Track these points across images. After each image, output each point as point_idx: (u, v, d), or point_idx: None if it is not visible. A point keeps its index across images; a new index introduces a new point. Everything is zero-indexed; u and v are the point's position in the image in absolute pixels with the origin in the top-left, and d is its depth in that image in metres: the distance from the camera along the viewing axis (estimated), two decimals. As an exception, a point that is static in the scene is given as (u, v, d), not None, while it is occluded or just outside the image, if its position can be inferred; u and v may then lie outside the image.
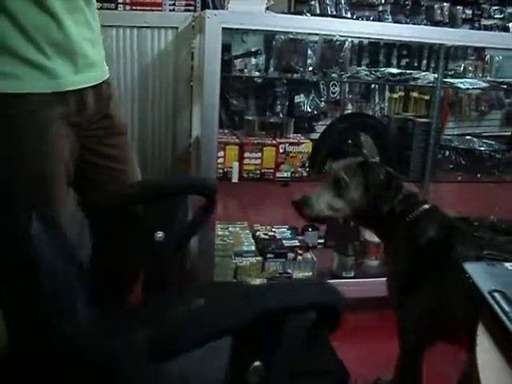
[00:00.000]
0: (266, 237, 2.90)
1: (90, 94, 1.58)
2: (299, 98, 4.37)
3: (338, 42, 2.63)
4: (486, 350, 0.82)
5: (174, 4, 2.60)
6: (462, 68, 4.31)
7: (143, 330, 0.90)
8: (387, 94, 4.93)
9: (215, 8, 2.41)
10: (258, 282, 2.67)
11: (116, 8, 2.56)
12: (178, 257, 1.79)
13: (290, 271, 2.73)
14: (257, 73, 2.85)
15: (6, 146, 1.41)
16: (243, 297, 1.00)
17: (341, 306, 1.07)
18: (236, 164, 2.53)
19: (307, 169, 2.64)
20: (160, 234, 1.55)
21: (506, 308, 0.86)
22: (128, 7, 2.58)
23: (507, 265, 1.03)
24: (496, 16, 5.73)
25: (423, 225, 1.75)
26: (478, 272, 0.99)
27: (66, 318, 1.08)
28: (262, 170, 2.59)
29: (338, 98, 4.72)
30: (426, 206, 1.78)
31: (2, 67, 1.41)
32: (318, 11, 4.99)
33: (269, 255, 2.72)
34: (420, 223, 1.75)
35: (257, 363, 0.95)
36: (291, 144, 2.62)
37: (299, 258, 2.76)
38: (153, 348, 0.88)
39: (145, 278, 1.69)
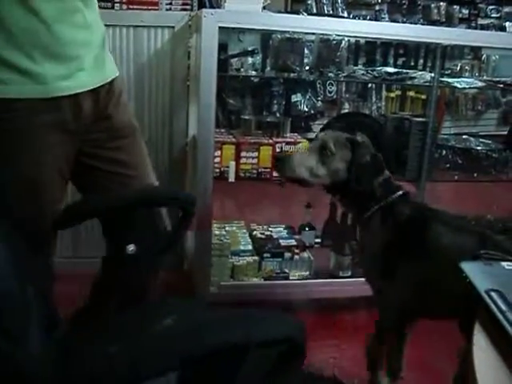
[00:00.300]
0: (263, 236, 2.90)
1: (87, 99, 1.49)
2: (296, 98, 4.37)
3: (334, 42, 2.63)
4: (482, 349, 0.82)
5: (170, 3, 2.61)
6: (458, 67, 4.33)
7: (104, 358, 0.87)
8: (384, 93, 4.93)
9: (212, 7, 2.41)
10: (255, 281, 2.68)
11: (112, 7, 2.56)
12: (151, 271, 1.70)
13: (286, 270, 2.73)
14: (253, 72, 2.85)
15: None
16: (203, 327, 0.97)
17: (301, 339, 1.03)
18: (233, 163, 2.53)
19: (304, 168, 2.64)
20: (132, 247, 1.47)
21: (503, 307, 0.86)
22: (124, 6, 2.58)
23: (504, 264, 1.03)
24: (492, 15, 5.74)
25: (399, 208, 1.81)
26: (474, 271, 0.99)
27: (16, 345, 0.98)
28: (259, 170, 2.59)
29: (334, 97, 4.72)
30: (401, 192, 1.85)
31: None
32: (314, 10, 5.00)
33: (266, 254, 2.72)
34: (396, 206, 1.82)
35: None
36: (288, 143, 2.62)
37: (296, 257, 2.76)
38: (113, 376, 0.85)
39: (117, 291, 1.62)
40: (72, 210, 1.44)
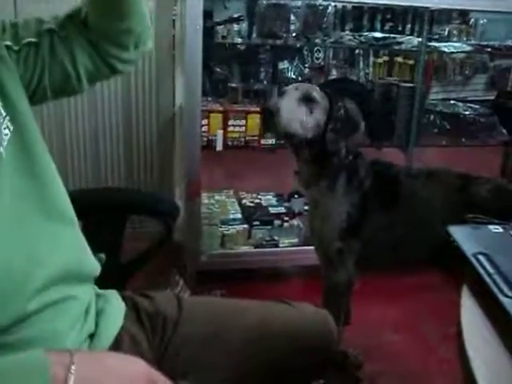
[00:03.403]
0: (252, 204, 2.91)
1: None
2: (283, 65, 4.33)
3: (321, 7, 2.61)
4: (469, 310, 0.83)
5: (153, -30, 2.56)
6: (446, 32, 4.28)
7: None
8: (371, 59, 4.88)
9: (196, -27, 2.37)
10: (245, 249, 2.69)
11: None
12: (123, 283, 1.50)
13: (276, 238, 2.75)
14: (240, 39, 2.82)
15: None
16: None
17: None
18: (220, 132, 2.51)
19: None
20: (102, 257, 1.32)
21: (490, 270, 0.87)
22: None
23: (491, 227, 1.04)
24: (480, -22, 5.68)
25: (364, 164, 1.86)
26: (461, 235, 0.99)
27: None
28: (247, 138, 2.58)
29: (322, 63, 4.67)
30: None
31: None
32: (300, -25, 4.93)
33: (255, 223, 2.73)
34: (361, 163, 1.86)
35: None
36: (276, 111, 2.60)
37: (285, 224, 2.77)
38: None
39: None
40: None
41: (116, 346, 1.08)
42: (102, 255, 1.36)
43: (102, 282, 1.19)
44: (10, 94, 0.98)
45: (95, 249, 1.26)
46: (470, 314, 0.82)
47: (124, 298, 1.21)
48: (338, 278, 1.91)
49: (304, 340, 1.22)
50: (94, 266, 1.16)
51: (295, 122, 1.74)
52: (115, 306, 1.17)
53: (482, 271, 0.87)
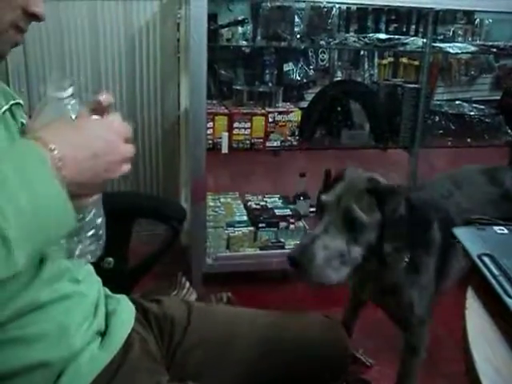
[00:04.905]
0: (258, 207, 2.91)
1: None
2: (288, 67, 4.33)
3: (325, 9, 2.60)
4: (475, 312, 0.83)
5: (158, -26, 2.57)
6: (451, 32, 4.28)
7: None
8: (376, 60, 4.88)
9: (200, -24, 2.37)
10: (250, 251, 2.69)
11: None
12: (131, 287, 1.48)
13: (282, 240, 2.74)
14: (244, 42, 2.82)
15: None
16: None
17: None
18: (225, 134, 2.52)
19: (297, 137, 2.64)
20: (110, 260, 1.36)
21: (495, 271, 0.87)
22: (112, -22, 2.54)
23: (496, 228, 1.04)
24: (485, -21, 5.66)
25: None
26: (466, 236, 0.99)
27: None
28: (252, 140, 2.58)
29: (327, 65, 4.68)
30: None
31: None
32: (304, -23, 4.93)
33: (261, 225, 2.73)
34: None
35: None
36: (280, 113, 2.61)
37: (291, 226, 2.77)
38: None
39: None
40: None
41: (126, 347, 1.08)
42: (110, 259, 1.37)
43: (110, 286, 1.19)
44: None
45: (103, 253, 1.29)
46: (475, 316, 0.82)
47: (133, 302, 1.21)
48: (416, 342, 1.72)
49: (315, 348, 1.22)
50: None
51: (335, 262, 1.33)
52: (126, 308, 1.17)
53: (486, 272, 0.87)
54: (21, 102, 1.06)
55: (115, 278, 1.31)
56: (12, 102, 1.03)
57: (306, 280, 1.33)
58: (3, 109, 0.99)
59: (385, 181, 1.40)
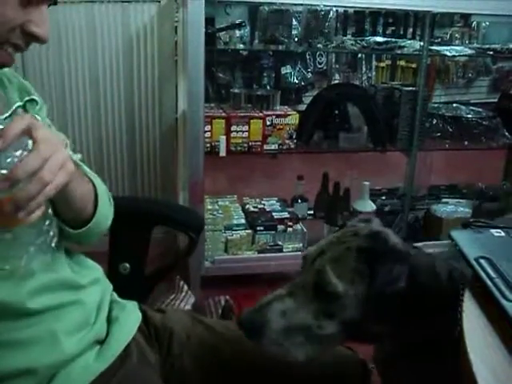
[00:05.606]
0: (256, 209, 2.91)
1: None
2: (286, 70, 4.34)
3: (322, 12, 2.61)
4: (472, 315, 0.83)
5: (155, -23, 2.57)
6: (448, 35, 4.29)
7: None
8: (374, 63, 4.90)
9: (197, -20, 2.38)
10: (248, 254, 2.69)
11: (98, -18, 2.53)
12: (147, 293, 1.47)
13: (280, 243, 2.75)
14: (242, 45, 2.83)
15: None
16: None
17: None
18: (223, 137, 2.52)
19: (295, 140, 2.64)
20: (127, 266, 1.36)
21: (492, 274, 0.87)
22: (110, -19, 2.55)
23: (493, 231, 1.04)
24: (482, -19, 5.67)
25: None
26: (464, 239, 1.00)
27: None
28: (250, 143, 2.58)
29: (324, 68, 4.69)
30: None
31: None
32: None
33: (259, 228, 2.73)
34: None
35: None
36: (278, 116, 2.61)
37: (289, 229, 2.77)
38: None
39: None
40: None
41: (125, 355, 1.07)
42: (127, 265, 1.36)
43: (124, 292, 1.19)
44: None
45: (120, 259, 1.29)
46: (472, 318, 0.82)
47: (140, 309, 1.20)
48: None
49: (327, 366, 1.16)
50: (92, 268, 1.15)
51: (297, 336, 0.96)
52: (130, 316, 1.16)
53: (483, 275, 0.87)
54: (35, 98, 1.06)
55: (130, 284, 1.31)
56: (27, 98, 1.03)
57: (263, 346, 0.97)
58: (16, 105, 0.99)
59: (396, 239, 0.98)
